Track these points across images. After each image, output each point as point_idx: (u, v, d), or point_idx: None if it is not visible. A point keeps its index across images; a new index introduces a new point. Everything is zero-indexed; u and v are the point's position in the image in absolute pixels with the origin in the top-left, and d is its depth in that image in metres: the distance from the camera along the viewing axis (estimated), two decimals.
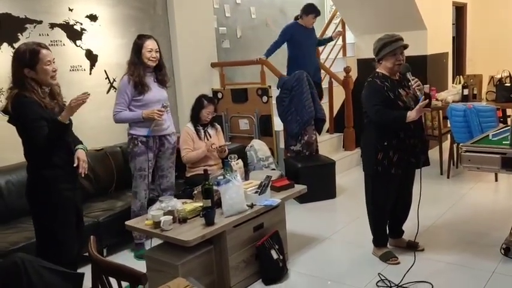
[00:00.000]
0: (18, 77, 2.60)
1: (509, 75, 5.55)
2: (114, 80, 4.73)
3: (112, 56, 4.74)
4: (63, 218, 2.74)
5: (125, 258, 3.73)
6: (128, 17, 4.90)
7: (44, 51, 2.65)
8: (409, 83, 3.20)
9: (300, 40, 5.50)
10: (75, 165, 2.71)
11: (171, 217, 2.96)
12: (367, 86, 3.27)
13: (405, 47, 3.23)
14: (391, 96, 3.18)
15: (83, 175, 2.75)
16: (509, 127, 3.16)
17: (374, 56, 3.31)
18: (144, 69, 3.60)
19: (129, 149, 3.71)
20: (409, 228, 3.58)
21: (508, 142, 3.12)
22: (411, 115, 3.08)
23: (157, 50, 3.63)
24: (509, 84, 5.56)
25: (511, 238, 3.40)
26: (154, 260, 2.95)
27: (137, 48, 3.60)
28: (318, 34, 6.71)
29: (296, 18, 5.70)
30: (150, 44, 3.58)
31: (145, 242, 3.75)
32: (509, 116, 5.60)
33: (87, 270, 2.01)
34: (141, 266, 2.76)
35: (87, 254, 1.89)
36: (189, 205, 3.16)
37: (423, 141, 3.41)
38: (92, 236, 1.92)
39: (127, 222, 3.17)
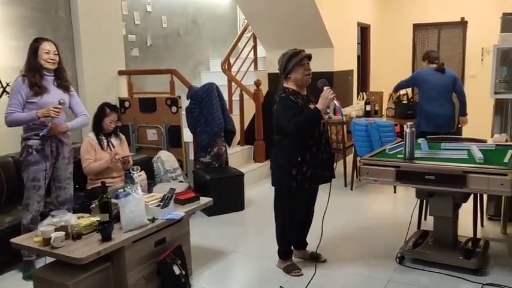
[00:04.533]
0: None
1: (406, 93, 5.94)
2: (7, 85, 4.36)
3: (6, 59, 4.38)
4: None
5: (14, 279, 3.44)
6: (25, 18, 4.57)
7: None
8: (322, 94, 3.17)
9: None
10: None
11: (64, 233, 2.74)
12: (281, 103, 3.21)
13: (309, 57, 3.27)
14: (304, 111, 3.19)
15: None
16: (403, 142, 3.34)
17: (280, 73, 3.31)
18: (41, 73, 3.40)
19: (22, 158, 3.44)
20: (313, 239, 3.65)
21: (402, 156, 3.31)
22: (319, 106, 3.13)
23: (56, 52, 3.45)
24: (406, 102, 5.95)
25: (406, 247, 3.58)
26: (43, 281, 2.71)
27: (33, 50, 3.40)
28: (228, 48, 6.75)
29: None
30: (47, 46, 3.40)
31: (36, 260, 3.47)
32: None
33: None
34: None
35: None
36: (86, 220, 2.96)
37: (332, 155, 3.50)
38: None
39: (13, 240, 2.89)
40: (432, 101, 5.12)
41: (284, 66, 3.26)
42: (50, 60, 3.40)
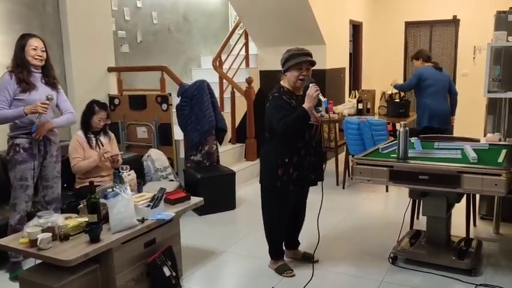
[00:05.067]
0: None
1: (398, 92, 5.90)
2: None
3: None
4: None
5: (0, 280, 3.35)
6: (11, 13, 4.47)
7: None
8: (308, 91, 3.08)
9: None
10: None
11: (51, 234, 2.68)
12: (273, 101, 3.15)
13: (312, 63, 3.15)
14: None
15: None
16: (397, 141, 3.30)
17: (281, 68, 3.22)
18: (29, 69, 3.33)
19: (9, 157, 3.37)
20: (305, 239, 3.61)
21: (396, 155, 3.27)
22: (306, 105, 3.03)
23: (44, 49, 3.38)
24: (398, 100, 5.92)
25: (399, 247, 3.55)
26: (29, 283, 2.64)
27: (20, 47, 3.33)
28: (220, 45, 6.67)
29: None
30: (34, 42, 3.34)
31: (24, 261, 3.41)
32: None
33: None
34: None
35: None
36: (73, 220, 2.89)
37: (322, 157, 3.43)
38: None
39: None
40: (434, 97, 5.18)
41: (283, 63, 3.18)
42: (38, 57, 3.34)
